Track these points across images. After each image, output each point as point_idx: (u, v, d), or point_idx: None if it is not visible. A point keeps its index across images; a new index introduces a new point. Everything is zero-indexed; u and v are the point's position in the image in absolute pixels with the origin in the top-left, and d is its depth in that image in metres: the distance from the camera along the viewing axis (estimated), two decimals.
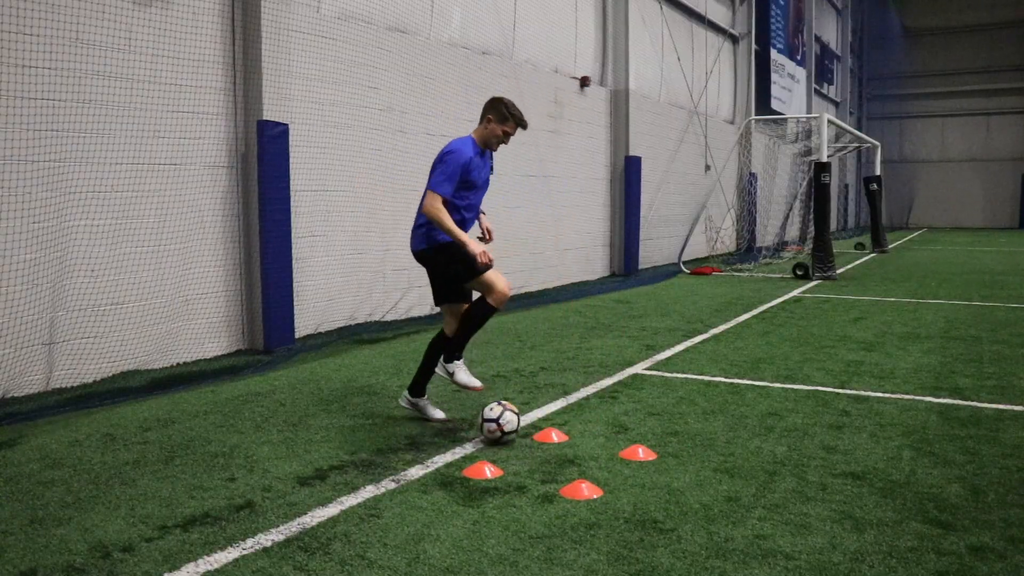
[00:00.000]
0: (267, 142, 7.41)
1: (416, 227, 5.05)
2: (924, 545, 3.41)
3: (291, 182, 7.69)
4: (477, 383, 5.03)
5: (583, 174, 13.98)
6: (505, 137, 4.97)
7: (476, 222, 5.19)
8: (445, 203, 4.82)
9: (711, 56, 19.93)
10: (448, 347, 5.09)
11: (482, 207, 5.26)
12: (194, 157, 7.08)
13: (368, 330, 8.65)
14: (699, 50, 19.25)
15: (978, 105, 40.26)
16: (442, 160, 4.85)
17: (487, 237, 5.26)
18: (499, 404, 4.80)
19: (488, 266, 4.86)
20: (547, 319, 9.76)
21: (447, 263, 4.95)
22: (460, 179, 4.83)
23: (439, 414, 5.31)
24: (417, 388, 5.31)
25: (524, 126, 5.00)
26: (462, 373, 5.05)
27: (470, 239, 4.79)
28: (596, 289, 12.87)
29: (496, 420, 4.70)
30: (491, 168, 5.16)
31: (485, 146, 5.00)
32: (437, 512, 3.77)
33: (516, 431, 4.78)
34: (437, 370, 5.15)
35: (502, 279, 4.94)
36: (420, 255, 5.07)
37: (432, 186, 4.81)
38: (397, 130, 9.39)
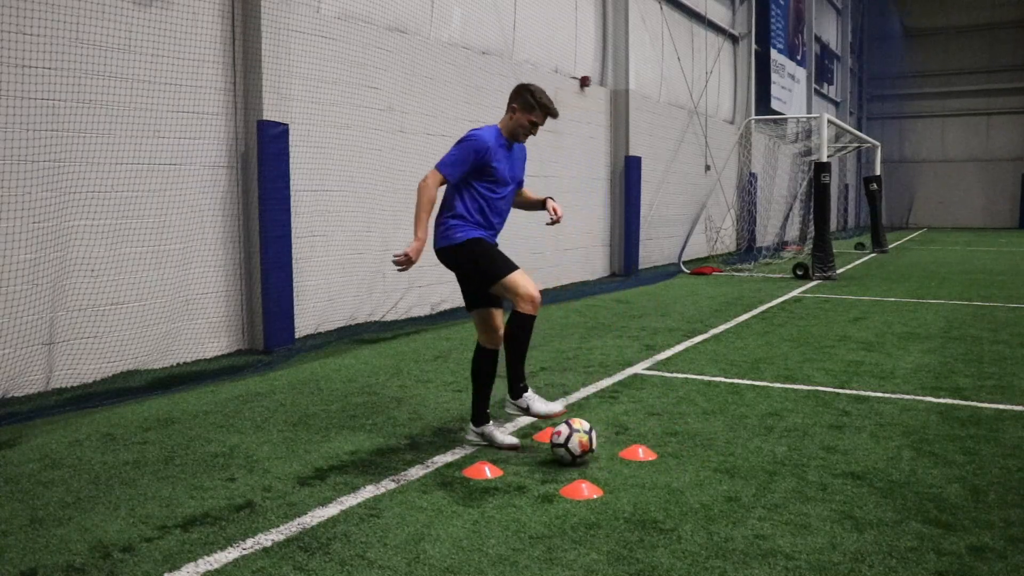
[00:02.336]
0: (267, 142, 7.41)
1: (436, 223, 4.64)
2: (924, 545, 3.41)
3: (291, 182, 7.69)
4: (557, 407, 4.64)
5: (583, 174, 13.98)
6: (533, 128, 4.57)
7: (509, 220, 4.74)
8: (461, 193, 4.46)
9: (711, 56, 19.93)
10: (509, 383, 4.61)
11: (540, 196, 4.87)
12: (194, 157, 7.08)
13: (368, 330, 8.65)
14: (699, 50, 19.25)
15: (978, 105, 40.26)
16: (459, 141, 4.50)
17: (553, 217, 4.68)
18: (566, 425, 4.38)
19: (502, 257, 4.45)
20: (547, 319, 9.75)
21: (467, 263, 4.54)
22: (473, 166, 4.44)
23: (510, 440, 4.73)
24: (478, 417, 4.75)
25: (554, 115, 4.59)
26: (537, 403, 4.59)
27: (423, 241, 4.37)
28: (596, 289, 12.87)
29: (564, 445, 4.32)
30: (523, 167, 4.77)
31: (512, 137, 4.61)
32: (437, 512, 3.77)
33: (591, 447, 4.39)
34: (508, 409, 4.66)
35: (526, 281, 4.47)
36: (440, 254, 4.64)
37: (437, 163, 4.46)
38: (397, 130, 9.39)
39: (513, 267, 4.50)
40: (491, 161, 4.47)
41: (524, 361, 4.57)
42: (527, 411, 4.59)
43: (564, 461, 4.36)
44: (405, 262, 4.34)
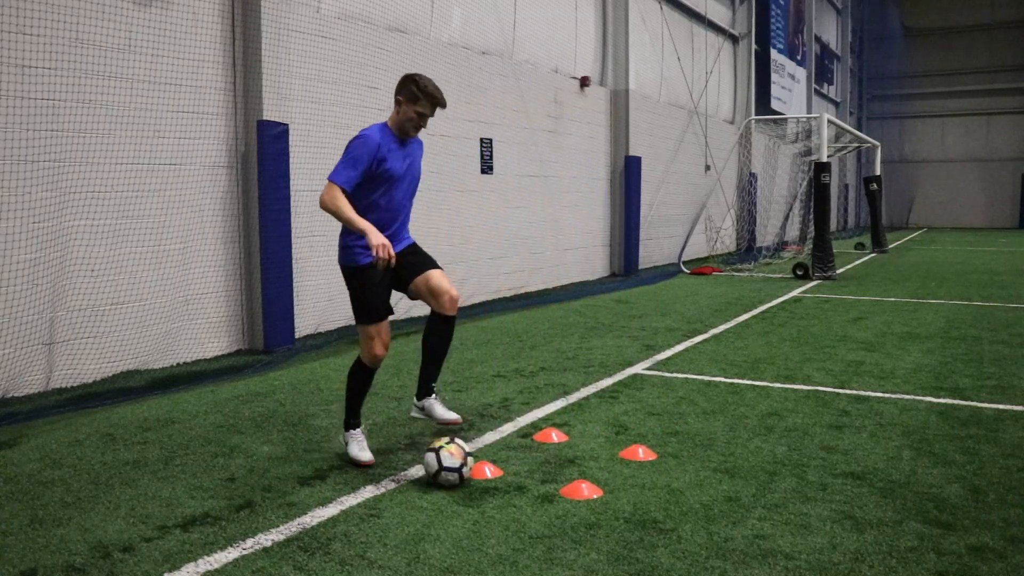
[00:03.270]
0: (267, 142, 7.41)
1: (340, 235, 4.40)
2: (924, 545, 3.41)
3: (291, 182, 7.69)
4: (367, 457, 4.40)
5: (583, 174, 13.98)
6: (420, 119, 4.27)
7: (406, 229, 4.50)
8: (356, 199, 4.19)
9: (711, 56, 19.93)
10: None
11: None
12: (194, 157, 7.08)
13: None
14: (699, 50, 19.25)
15: (978, 105, 40.26)
16: (347, 146, 4.21)
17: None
18: (455, 444, 4.08)
19: (374, 306, 4.25)
20: (547, 319, 9.75)
21: (350, 290, 4.35)
22: (368, 168, 4.14)
23: (451, 416, 4.60)
24: (423, 388, 4.65)
25: (441, 104, 4.28)
26: (354, 445, 4.45)
27: (372, 228, 4.05)
28: (596, 289, 12.87)
29: (459, 469, 4.02)
30: (420, 164, 4.49)
31: (401, 132, 4.31)
32: (437, 512, 3.77)
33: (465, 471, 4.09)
34: (341, 437, 4.61)
35: (380, 340, 4.30)
36: (341, 269, 4.44)
37: (329, 175, 4.16)
38: None
39: (377, 317, 4.29)
40: (386, 159, 4.21)
41: (357, 401, 4.48)
42: (345, 446, 4.48)
43: (449, 483, 4.04)
44: (385, 255, 4.00)
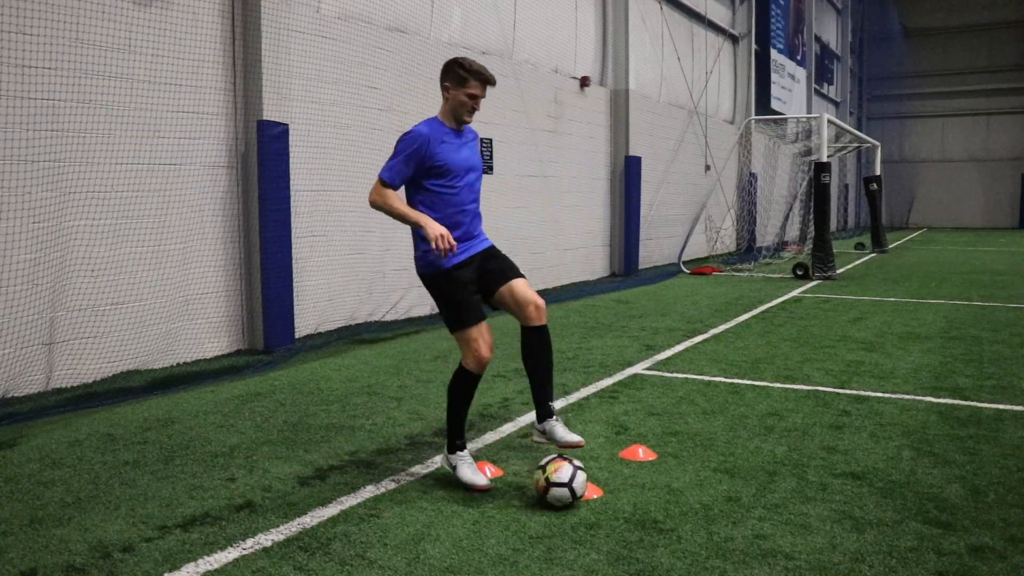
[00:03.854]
0: (267, 142, 7.41)
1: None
2: (924, 545, 3.41)
3: (291, 182, 7.69)
4: (483, 481, 4.05)
5: (583, 174, 13.98)
6: (473, 101, 4.06)
7: (479, 224, 4.22)
8: (418, 200, 4.03)
9: (711, 56, 19.93)
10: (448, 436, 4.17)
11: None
12: (194, 157, 7.08)
13: (368, 330, 8.65)
14: (699, 50, 19.26)
15: (978, 105, 40.27)
16: (397, 142, 4.04)
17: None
18: (564, 460, 3.84)
19: (470, 306, 3.97)
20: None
21: (435, 298, 4.10)
22: (417, 164, 3.95)
23: (573, 437, 4.15)
24: (540, 410, 4.21)
25: (491, 81, 4.09)
26: (466, 468, 4.09)
27: (428, 219, 3.88)
28: (596, 289, 12.87)
29: (568, 484, 3.76)
30: (478, 153, 4.25)
31: (456, 120, 4.10)
32: (437, 512, 3.77)
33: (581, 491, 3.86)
34: (439, 460, 4.30)
35: (484, 341, 4.00)
36: (420, 277, 4.20)
37: (379, 172, 3.99)
38: (397, 130, 9.35)
39: (476, 318, 4.01)
40: (439, 152, 3.98)
41: (460, 418, 4.11)
42: (454, 471, 4.12)
43: (562, 502, 3.81)
44: (445, 246, 3.82)
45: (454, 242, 3.87)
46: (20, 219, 5.73)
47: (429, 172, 4.00)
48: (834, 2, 34.33)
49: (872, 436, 4.95)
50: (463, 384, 4.08)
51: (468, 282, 4.07)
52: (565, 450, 4.20)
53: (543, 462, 3.87)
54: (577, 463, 3.84)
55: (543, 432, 4.19)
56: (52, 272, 5.99)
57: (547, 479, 3.78)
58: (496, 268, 4.17)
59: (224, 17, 7.33)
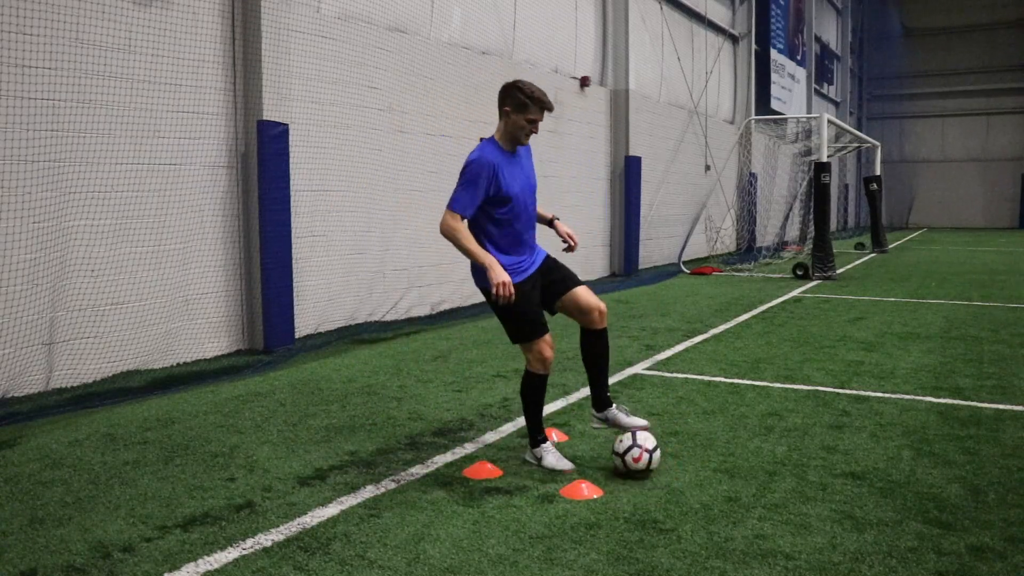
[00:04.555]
0: (267, 142, 7.41)
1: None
2: (924, 545, 3.41)
3: (291, 182, 7.69)
4: (568, 465, 4.33)
5: (583, 174, 13.98)
6: (532, 126, 4.17)
7: (542, 229, 4.46)
8: (479, 224, 4.20)
9: (711, 56, 19.93)
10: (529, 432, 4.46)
11: (546, 212, 4.66)
12: (194, 157, 7.08)
13: (368, 330, 8.65)
14: (699, 50, 19.26)
15: (978, 105, 40.28)
16: (462, 171, 4.15)
17: (571, 243, 4.56)
18: (628, 435, 4.24)
19: (533, 317, 4.22)
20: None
21: (497, 311, 4.26)
22: (486, 191, 4.10)
23: (638, 421, 4.50)
24: (598, 401, 4.54)
25: (550, 108, 4.19)
26: (550, 456, 4.37)
27: (495, 263, 4.06)
28: (596, 289, 12.85)
29: (652, 451, 4.17)
30: (532, 168, 4.47)
31: (514, 143, 4.25)
32: (437, 512, 3.77)
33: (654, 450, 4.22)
34: (527, 456, 4.49)
35: (547, 344, 4.26)
36: (481, 291, 4.37)
37: (449, 203, 4.12)
38: (397, 130, 9.39)
39: (541, 331, 4.24)
40: (502, 179, 4.13)
41: (537, 417, 4.40)
42: (539, 462, 4.39)
43: (618, 471, 4.24)
44: (506, 294, 4.03)
45: (513, 290, 4.05)
46: (20, 219, 5.73)
47: (492, 200, 4.15)
48: (834, 2, 34.33)
49: (872, 436, 4.95)
50: (534, 387, 4.34)
51: (532, 296, 4.29)
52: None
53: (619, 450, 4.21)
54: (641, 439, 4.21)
55: (605, 420, 4.51)
56: (52, 272, 5.99)
57: (628, 456, 4.18)
58: (559, 279, 4.41)
59: (224, 17, 7.33)
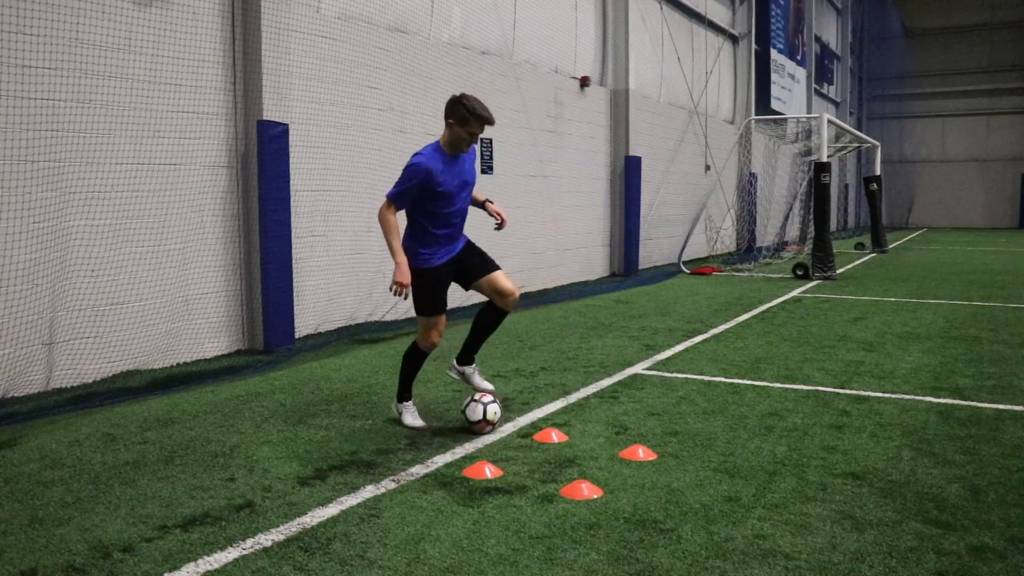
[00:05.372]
0: (267, 142, 7.41)
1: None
2: (924, 545, 3.41)
3: (291, 182, 7.69)
4: (420, 423, 5.12)
5: (583, 174, 13.98)
6: (473, 137, 4.70)
7: (475, 219, 5.14)
8: (416, 213, 4.77)
9: (711, 56, 19.93)
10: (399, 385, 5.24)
11: (480, 195, 5.17)
12: (194, 157, 7.08)
13: (368, 330, 8.65)
14: (699, 50, 19.26)
15: (978, 105, 40.27)
16: (404, 169, 4.70)
17: (500, 221, 5.10)
18: (474, 402, 4.95)
19: (435, 300, 4.91)
20: (547, 319, 9.75)
21: (413, 287, 4.86)
22: (420, 192, 4.65)
23: (486, 385, 5.25)
24: (465, 357, 5.26)
25: (490, 122, 4.71)
26: (408, 415, 5.16)
27: (403, 263, 4.69)
28: (596, 289, 12.87)
29: (481, 420, 4.94)
30: (472, 168, 4.93)
31: (455, 150, 4.75)
32: (437, 512, 3.77)
33: (494, 415, 4.96)
34: (393, 407, 5.32)
35: (437, 330, 4.99)
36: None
37: (388, 193, 4.71)
38: (397, 130, 9.39)
39: (437, 311, 4.95)
40: (440, 183, 4.66)
41: (409, 379, 5.19)
42: (399, 416, 5.21)
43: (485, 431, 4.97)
44: (399, 292, 4.68)
45: (407, 291, 4.71)
46: (20, 219, 5.73)
47: (428, 196, 4.70)
48: (834, 2, 34.33)
49: (872, 436, 4.95)
50: (414, 357, 5.14)
51: (444, 278, 4.96)
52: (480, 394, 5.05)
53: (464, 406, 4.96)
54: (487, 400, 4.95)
55: (462, 374, 5.25)
56: (52, 272, 5.99)
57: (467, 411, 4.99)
58: (479, 262, 5.02)
59: (224, 17, 7.33)
